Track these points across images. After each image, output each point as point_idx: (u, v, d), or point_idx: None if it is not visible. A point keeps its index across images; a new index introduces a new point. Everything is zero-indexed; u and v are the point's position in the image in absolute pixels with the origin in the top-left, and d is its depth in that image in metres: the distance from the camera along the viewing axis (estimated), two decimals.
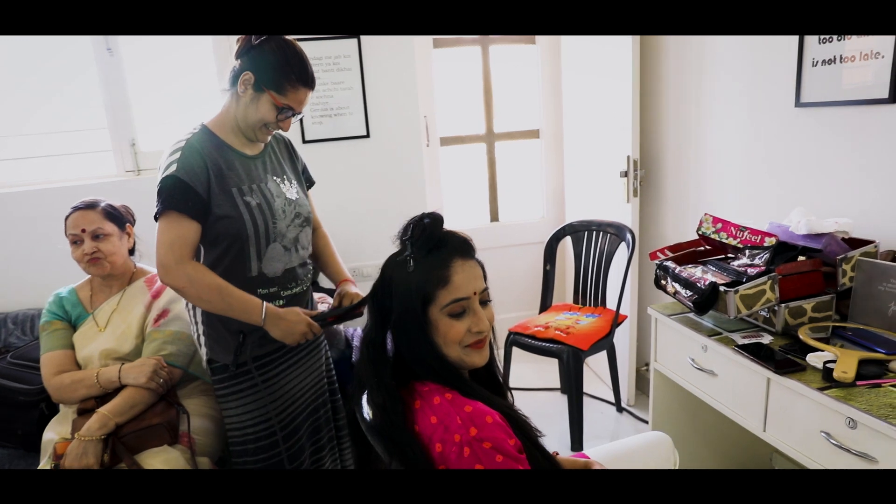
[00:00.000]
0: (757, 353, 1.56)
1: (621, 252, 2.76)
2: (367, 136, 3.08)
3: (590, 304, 2.93)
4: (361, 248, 3.10)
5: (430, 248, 1.14)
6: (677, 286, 1.73)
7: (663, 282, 1.82)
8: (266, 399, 1.67)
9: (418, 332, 1.13)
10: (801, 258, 1.72)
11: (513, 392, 1.35)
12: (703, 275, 1.70)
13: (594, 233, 2.92)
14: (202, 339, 1.66)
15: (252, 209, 1.58)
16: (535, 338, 2.67)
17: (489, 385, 1.32)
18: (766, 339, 1.65)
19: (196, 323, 1.66)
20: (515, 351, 2.75)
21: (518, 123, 3.73)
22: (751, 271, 1.64)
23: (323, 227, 1.92)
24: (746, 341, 1.64)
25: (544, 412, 3.00)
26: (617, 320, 2.68)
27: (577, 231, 2.99)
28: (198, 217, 1.51)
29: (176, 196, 1.48)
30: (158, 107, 2.86)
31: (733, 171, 2.38)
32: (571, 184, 3.46)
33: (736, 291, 1.59)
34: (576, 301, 3.02)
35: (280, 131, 1.69)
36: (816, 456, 1.40)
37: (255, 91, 1.56)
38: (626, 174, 2.72)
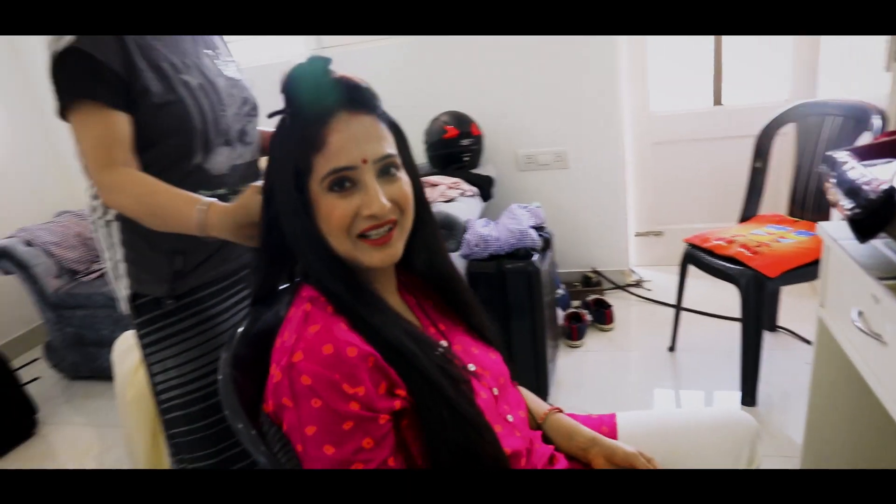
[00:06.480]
0: None
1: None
2: None
3: (808, 218, 2.13)
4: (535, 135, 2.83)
5: (310, 99, 0.81)
6: (839, 193, 1.05)
7: (826, 184, 1.13)
8: (204, 346, 1.23)
9: (295, 215, 0.83)
10: None
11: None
12: (888, 176, 0.99)
13: (826, 119, 2.06)
14: (121, 267, 1.20)
15: (195, 91, 1.11)
16: (713, 253, 2.04)
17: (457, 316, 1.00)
18: None
19: (113, 246, 1.21)
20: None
21: None
22: None
23: None
24: None
25: (718, 347, 2.37)
26: None
27: (805, 116, 2.15)
28: (119, 104, 1.04)
29: (81, 78, 1.01)
30: None
31: None
32: (827, 51, 2.49)
33: None
34: (791, 213, 2.22)
35: None
36: None
37: None
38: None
